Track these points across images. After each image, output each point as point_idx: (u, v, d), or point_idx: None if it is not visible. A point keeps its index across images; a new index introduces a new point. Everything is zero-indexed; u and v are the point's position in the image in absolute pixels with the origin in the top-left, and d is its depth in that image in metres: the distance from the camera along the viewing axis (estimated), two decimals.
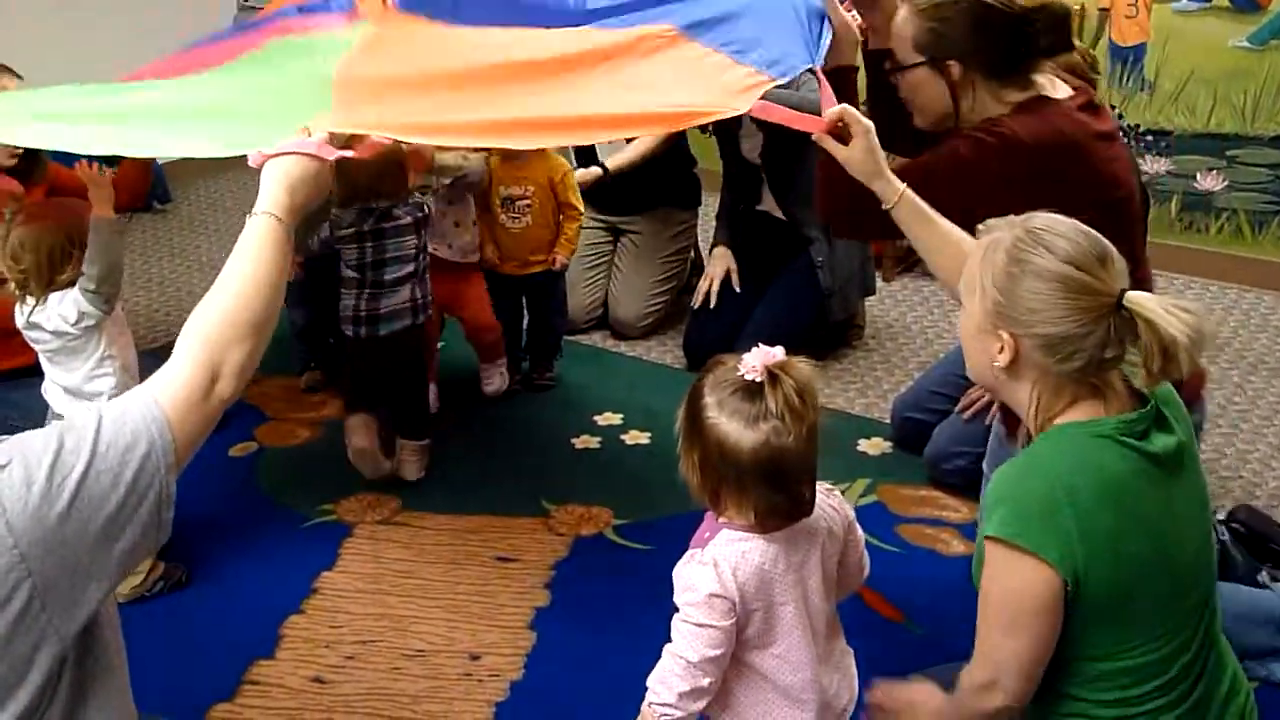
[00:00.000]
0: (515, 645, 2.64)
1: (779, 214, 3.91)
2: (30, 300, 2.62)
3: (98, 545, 1.33)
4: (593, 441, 3.49)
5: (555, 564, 2.92)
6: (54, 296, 2.61)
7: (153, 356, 2.93)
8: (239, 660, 2.59)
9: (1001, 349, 1.64)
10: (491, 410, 3.69)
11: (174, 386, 1.46)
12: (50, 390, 2.72)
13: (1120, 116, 4.54)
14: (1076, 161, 2.27)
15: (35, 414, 2.73)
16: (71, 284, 2.61)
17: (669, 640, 1.72)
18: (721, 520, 1.71)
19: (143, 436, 1.39)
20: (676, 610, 1.71)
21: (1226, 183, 4.47)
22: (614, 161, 4.11)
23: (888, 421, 3.50)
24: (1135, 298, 1.54)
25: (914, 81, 2.36)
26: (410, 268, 3.15)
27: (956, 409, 3.17)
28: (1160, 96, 4.49)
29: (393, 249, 3.11)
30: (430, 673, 2.56)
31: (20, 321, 2.65)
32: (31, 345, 2.69)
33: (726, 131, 3.85)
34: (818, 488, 1.72)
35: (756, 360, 1.60)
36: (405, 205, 3.14)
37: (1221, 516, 2.64)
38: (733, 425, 1.60)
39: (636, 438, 3.50)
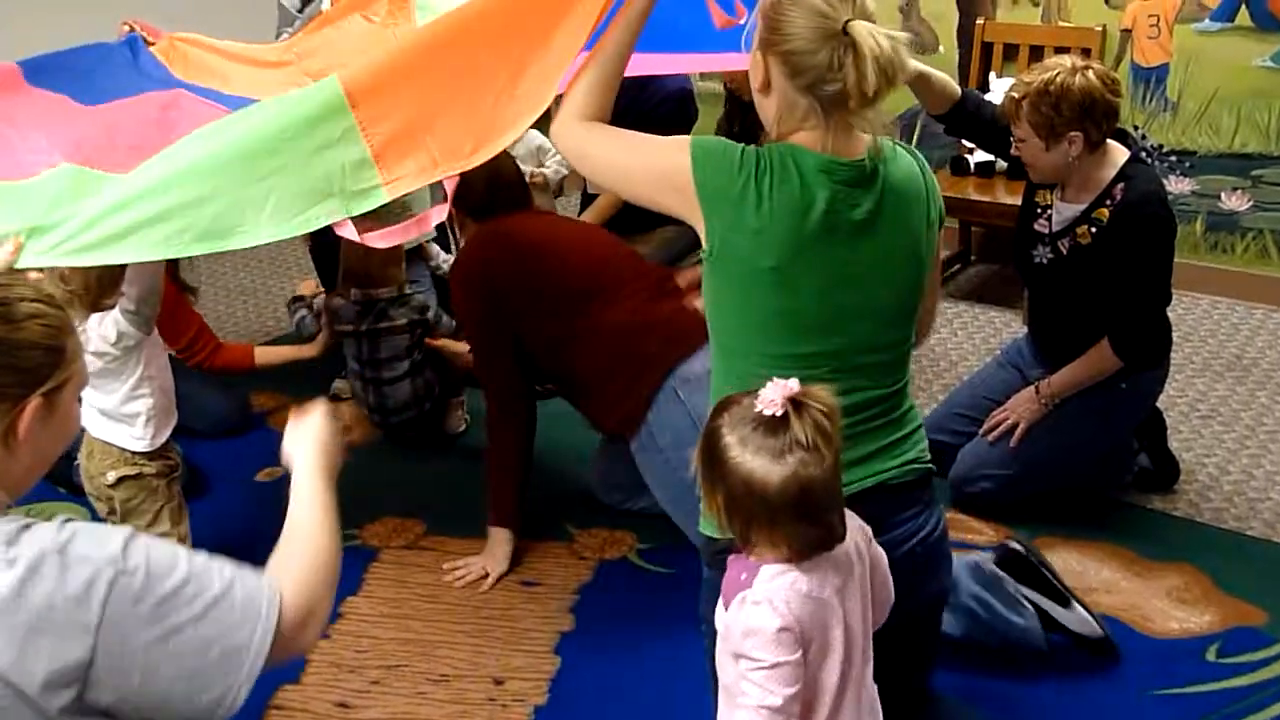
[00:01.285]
0: (539, 670, 2.64)
1: None
2: (75, 323, 2.64)
3: (152, 687, 1.28)
4: None
5: (579, 588, 2.92)
6: (94, 318, 2.63)
7: (179, 378, 2.97)
8: (264, 685, 2.54)
9: (759, 72, 1.85)
10: None
11: (287, 613, 1.38)
12: (87, 414, 2.74)
13: (1144, 137, 4.53)
14: None
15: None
16: (111, 306, 2.64)
17: (739, 695, 1.63)
18: (753, 559, 1.67)
19: (250, 630, 1.34)
20: (739, 661, 1.63)
21: (1251, 202, 4.45)
22: (593, 216, 4.08)
23: None
24: (854, 24, 1.73)
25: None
26: (406, 365, 3.22)
27: (981, 431, 3.16)
28: (1184, 117, 4.48)
29: (387, 350, 3.21)
30: (454, 697, 2.56)
31: None
32: None
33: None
34: None
35: (775, 394, 1.58)
36: (402, 306, 3.22)
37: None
38: (759, 462, 1.58)
39: None
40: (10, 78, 2.61)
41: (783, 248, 1.80)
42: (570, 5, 2.08)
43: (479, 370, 2.90)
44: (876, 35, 1.72)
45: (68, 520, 1.30)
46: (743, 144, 1.85)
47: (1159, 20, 4.43)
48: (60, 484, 3.26)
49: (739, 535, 1.66)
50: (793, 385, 1.59)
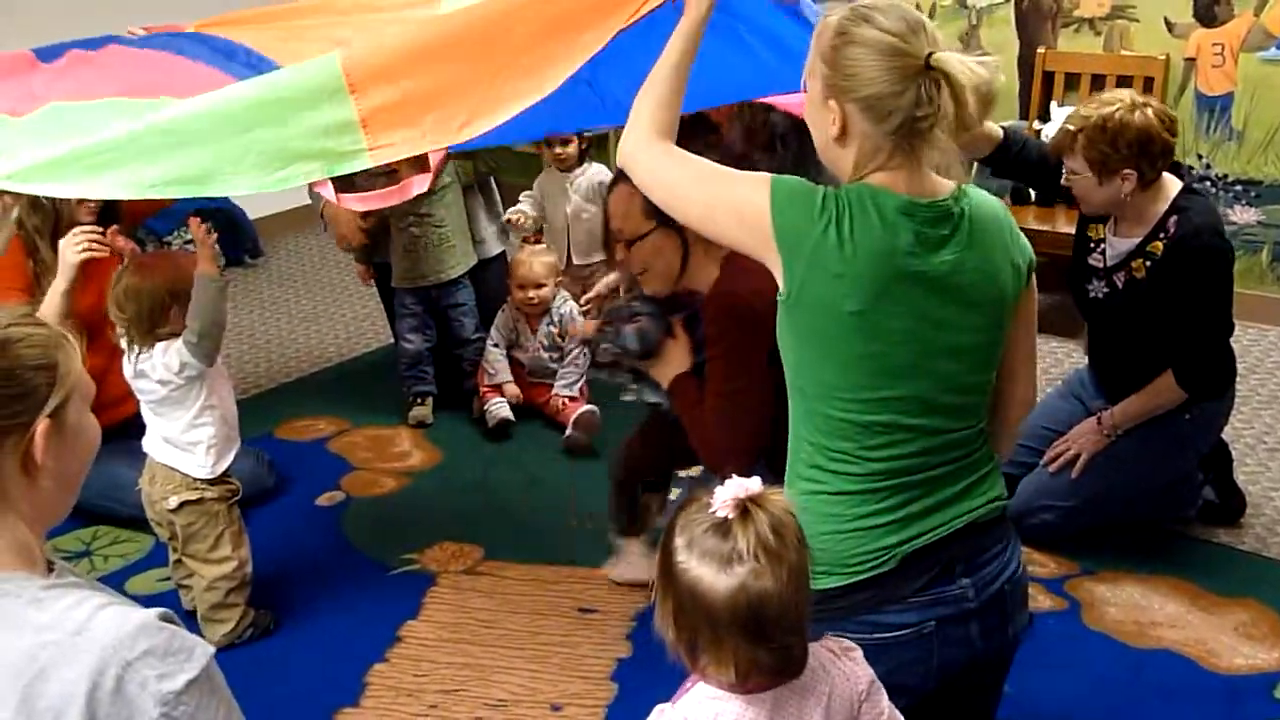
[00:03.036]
0: (596, 696, 2.64)
1: None
2: (136, 349, 2.71)
3: None
4: (674, 493, 3.49)
5: (636, 615, 2.92)
6: (160, 346, 2.69)
7: (244, 408, 3.02)
8: (324, 709, 2.62)
9: (834, 120, 1.74)
10: (571, 463, 3.73)
11: None
12: (150, 441, 2.80)
13: (1208, 167, 4.48)
14: None
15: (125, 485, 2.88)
16: (175, 335, 2.69)
17: None
18: (697, 674, 1.52)
19: None
20: None
21: None
22: None
23: None
24: (940, 56, 1.65)
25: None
26: None
27: (1042, 462, 3.13)
28: (1249, 146, 4.43)
29: None
30: None
31: (129, 371, 2.74)
32: (137, 395, 2.77)
33: None
34: (834, 645, 1.58)
35: (728, 493, 1.44)
36: None
37: None
38: (704, 569, 1.42)
39: None
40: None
41: (866, 291, 1.72)
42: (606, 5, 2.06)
43: (730, 395, 2.44)
44: (968, 63, 1.66)
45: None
46: (822, 185, 1.78)
47: (1224, 49, 4.38)
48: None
49: (685, 651, 1.50)
50: (750, 486, 1.45)
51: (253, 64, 2.44)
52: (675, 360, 2.52)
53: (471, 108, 2.08)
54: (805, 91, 1.83)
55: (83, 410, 1.37)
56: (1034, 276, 1.91)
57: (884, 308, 1.73)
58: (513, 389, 3.97)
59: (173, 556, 2.90)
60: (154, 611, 1.28)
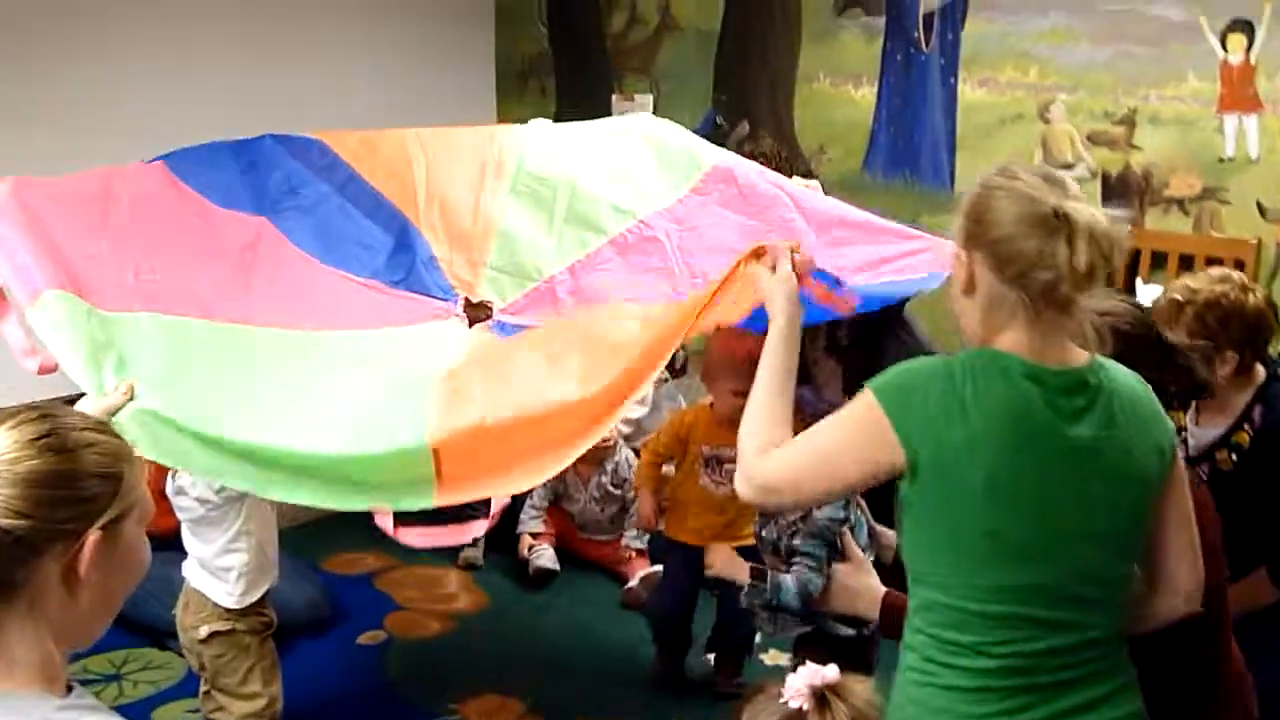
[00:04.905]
0: None
1: None
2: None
3: None
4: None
5: None
6: None
7: (291, 537, 2.91)
8: None
9: (963, 270, 1.68)
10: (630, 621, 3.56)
11: None
12: (188, 565, 2.69)
13: None
14: None
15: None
16: None
17: None
18: None
19: None
20: None
21: None
22: None
23: None
24: (1068, 204, 1.60)
25: None
26: None
27: None
28: None
29: None
30: None
31: (170, 487, 2.64)
32: (176, 513, 2.67)
33: None
34: None
35: (800, 681, 1.33)
36: None
37: None
38: None
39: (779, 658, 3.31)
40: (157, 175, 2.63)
41: (994, 455, 1.59)
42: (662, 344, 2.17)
43: None
44: (1093, 210, 1.62)
45: None
46: (923, 357, 1.70)
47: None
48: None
49: None
50: (828, 674, 1.35)
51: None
52: (857, 591, 2.12)
53: (542, 467, 2.16)
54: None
55: (138, 530, 1.28)
56: (1179, 459, 1.75)
57: (1013, 475, 1.59)
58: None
59: (202, 688, 2.75)
60: None
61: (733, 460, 2.87)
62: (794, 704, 1.32)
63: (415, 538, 2.30)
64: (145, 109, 4.16)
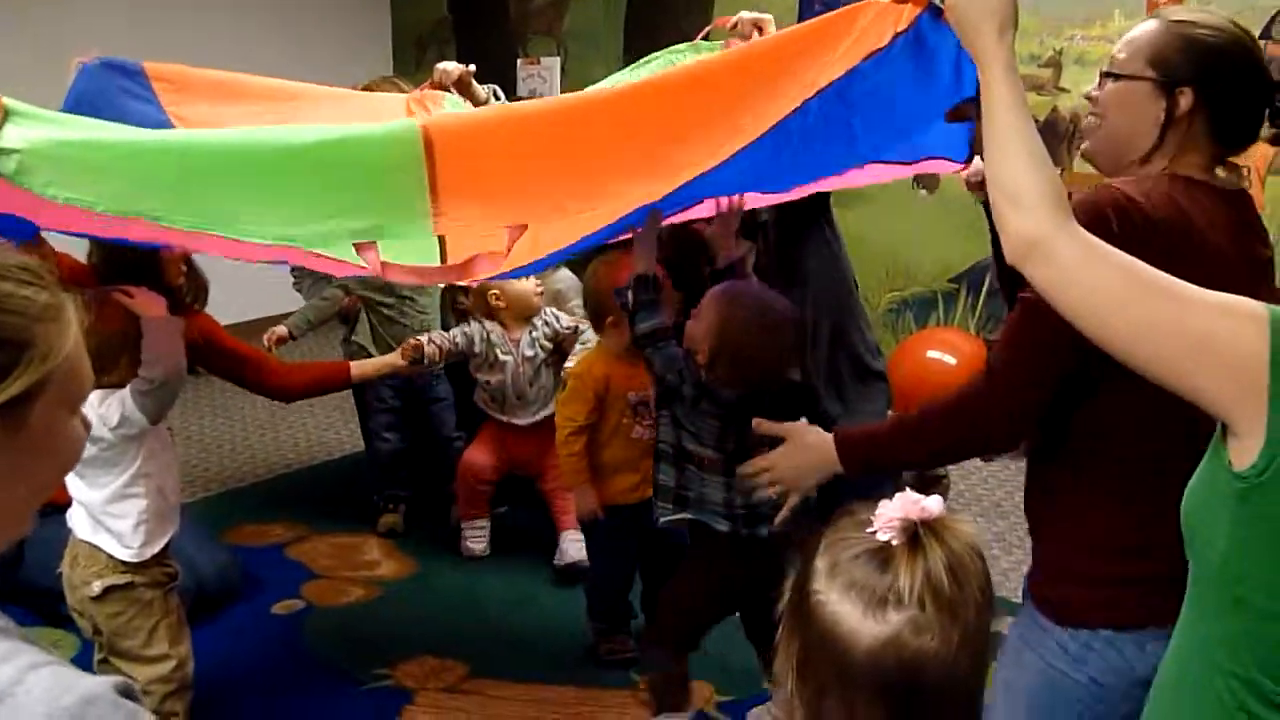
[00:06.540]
0: None
1: None
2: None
3: None
4: None
5: None
6: (95, 395, 2.23)
7: (187, 511, 2.53)
8: None
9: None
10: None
11: None
12: (74, 514, 2.33)
13: None
14: None
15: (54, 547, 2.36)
16: (117, 387, 2.25)
17: None
18: None
19: None
20: None
21: None
22: None
23: (1017, 600, 3.06)
24: None
25: (1121, 97, 1.93)
26: None
27: None
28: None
29: None
30: None
31: None
32: None
33: None
34: None
35: (896, 510, 1.08)
36: None
37: None
38: (847, 606, 1.07)
39: None
40: None
41: None
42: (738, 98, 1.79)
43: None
44: None
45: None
46: None
47: (1249, 172, 4.23)
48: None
49: (807, 711, 1.11)
50: (930, 505, 1.08)
51: None
52: (808, 456, 1.88)
53: (555, 201, 1.91)
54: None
55: (60, 414, 0.98)
56: None
57: None
58: None
59: (97, 656, 2.35)
60: (107, 681, 0.88)
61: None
62: (882, 536, 1.07)
63: (405, 274, 2.00)
64: (17, 60, 3.80)
